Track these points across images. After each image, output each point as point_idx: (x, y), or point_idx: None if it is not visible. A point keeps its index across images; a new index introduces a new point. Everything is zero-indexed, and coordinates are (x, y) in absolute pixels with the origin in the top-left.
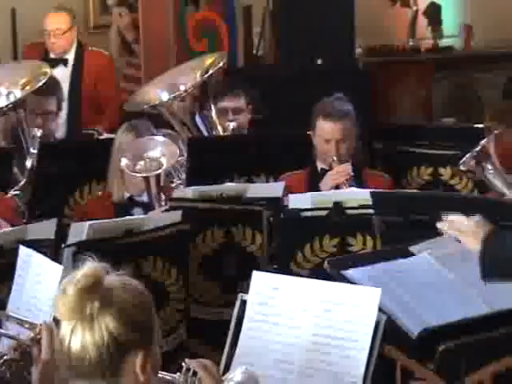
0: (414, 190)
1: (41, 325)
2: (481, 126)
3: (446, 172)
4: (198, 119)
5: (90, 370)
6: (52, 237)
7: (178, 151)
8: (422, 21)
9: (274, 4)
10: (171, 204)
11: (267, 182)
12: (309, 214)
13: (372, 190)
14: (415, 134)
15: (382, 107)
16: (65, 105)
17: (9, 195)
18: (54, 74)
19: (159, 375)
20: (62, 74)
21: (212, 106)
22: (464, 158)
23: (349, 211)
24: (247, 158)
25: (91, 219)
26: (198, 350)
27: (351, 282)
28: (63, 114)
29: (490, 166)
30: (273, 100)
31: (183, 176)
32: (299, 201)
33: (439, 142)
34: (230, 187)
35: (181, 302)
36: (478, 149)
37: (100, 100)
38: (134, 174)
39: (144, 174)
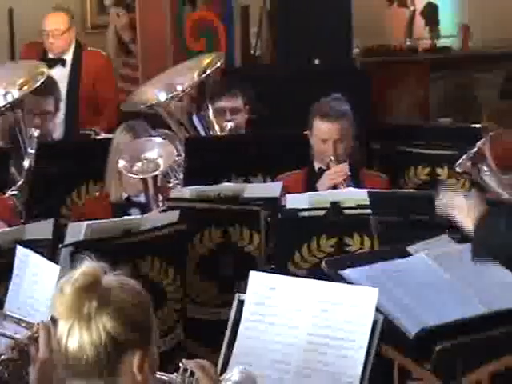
0: (411, 190)
1: (38, 324)
2: (478, 126)
3: (443, 172)
4: (195, 119)
5: (87, 370)
6: (49, 237)
7: (176, 151)
8: (420, 21)
9: (271, 4)
10: (169, 204)
11: (264, 182)
12: (306, 214)
13: (369, 190)
14: (412, 133)
15: (379, 107)
16: (63, 105)
17: (6, 195)
18: (52, 74)
19: (156, 375)
20: (60, 75)
21: (209, 106)
22: (460, 160)
23: (346, 211)
24: (245, 158)
25: (89, 219)
26: (195, 350)
27: (348, 282)
28: (61, 114)
29: (485, 168)
30: (270, 100)
31: (180, 176)
32: (296, 201)
33: (436, 141)
34: (227, 187)
35: (178, 302)
36: (473, 151)
37: (98, 100)
38: (131, 175)
39: (141, 176)
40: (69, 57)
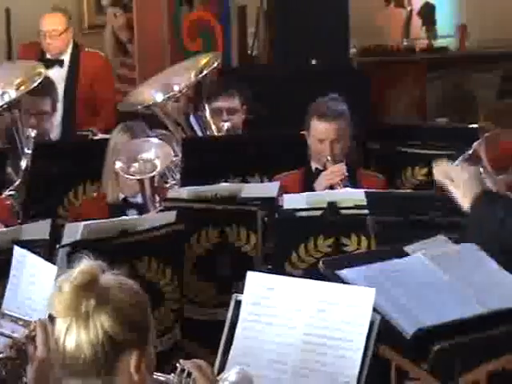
0: (408, 190)
1: (35, 322)
2: (475, 126)
3: None
4: (192, 119)
5: (84, 369)
6: (46, 237)
7: (172, 152)
8: (417, 21)
9: (268, 4)
10: (166, 204)
11: (262, 182)
12: (303, 214)
13: (366, 190)
14: (410, 134)
15: (376, 107)
16: (60, 106)
17: (3, 195)
18: (50, 75)
19: (154, 376)
20: (58, 75)
21: (206, 106)
22: (456, 162)
23: (343, 211)
24: (242, 158)
25: (86, 220)
26: (192, 351)
27: (346, 282)
28: (58, 114)
29: (481, 169)
30: (267, 100)
31: (177, 176)
32: (294, 201)
33: (434, 142)
34: (224, 187)
35: (176, 302)
36: (469, 152)
37: (96, 101)
38: (128, 176)
39: (138, 177)
40: (66, 57)
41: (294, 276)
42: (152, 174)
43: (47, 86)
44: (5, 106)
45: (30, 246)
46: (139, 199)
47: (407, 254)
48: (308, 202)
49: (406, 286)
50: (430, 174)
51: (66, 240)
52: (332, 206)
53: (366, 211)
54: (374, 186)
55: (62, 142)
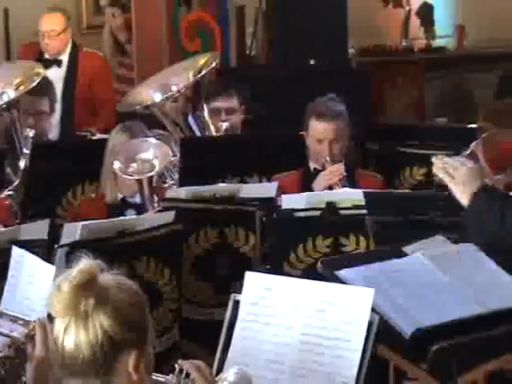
0: (407, 190)
1: (34, 321)
2: (474, 126)
3: None
4: (190, 119)
5: (83, 369)
6: (45, 237)
7: (171, 152)
8: (415, 21)
9: (267, 4)
10: (164, 204)
11: (260, 182)
12: (302, 214)
13: (365, 190)
14: (408, 134)
15: (374, 107)
16: (58, 106)
17: (2, 195)
18: (48, 75)
19: (153, 377)
20: (56, 75)
21: (205, 107)
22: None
23: (342, 211)
24: (240, 159)
25: (84, 220)
26: (191, 351)
27: (344, 283)
28: (57, 115)
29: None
30: (266, 100)
31: (176, 176)
32: (292, 201)
33: (432, 142)
34: (222, 187)
35: (174, 303)
36: (466, 152)
37: (95, 101)
38: (126, 176)
39: (136, 177)
40: (65, 57)
41: (292, 276)
42: (150, 174)
43: (45, 86)
44: (4, 106)
45: (29, 246)
46: (138, 199)
47: (406, 254)
48: (306, 202)
49: (404, 286)
50: (428, 174)
51: (64, 240)
52: (330, 206)
53: (364, 211)
54: (372, 186)
55: (60, 142)
